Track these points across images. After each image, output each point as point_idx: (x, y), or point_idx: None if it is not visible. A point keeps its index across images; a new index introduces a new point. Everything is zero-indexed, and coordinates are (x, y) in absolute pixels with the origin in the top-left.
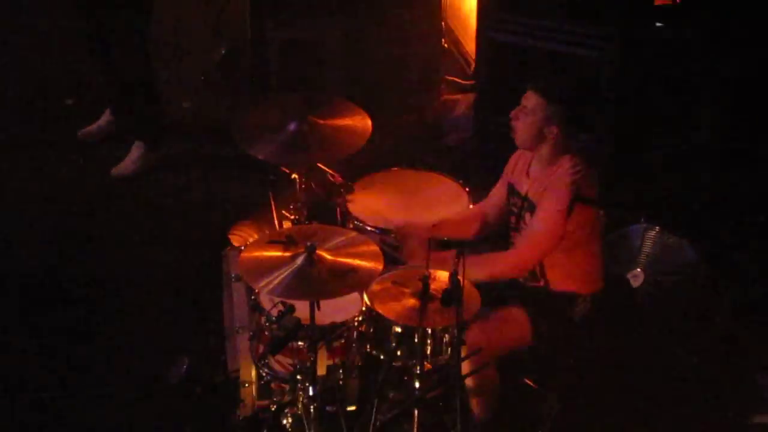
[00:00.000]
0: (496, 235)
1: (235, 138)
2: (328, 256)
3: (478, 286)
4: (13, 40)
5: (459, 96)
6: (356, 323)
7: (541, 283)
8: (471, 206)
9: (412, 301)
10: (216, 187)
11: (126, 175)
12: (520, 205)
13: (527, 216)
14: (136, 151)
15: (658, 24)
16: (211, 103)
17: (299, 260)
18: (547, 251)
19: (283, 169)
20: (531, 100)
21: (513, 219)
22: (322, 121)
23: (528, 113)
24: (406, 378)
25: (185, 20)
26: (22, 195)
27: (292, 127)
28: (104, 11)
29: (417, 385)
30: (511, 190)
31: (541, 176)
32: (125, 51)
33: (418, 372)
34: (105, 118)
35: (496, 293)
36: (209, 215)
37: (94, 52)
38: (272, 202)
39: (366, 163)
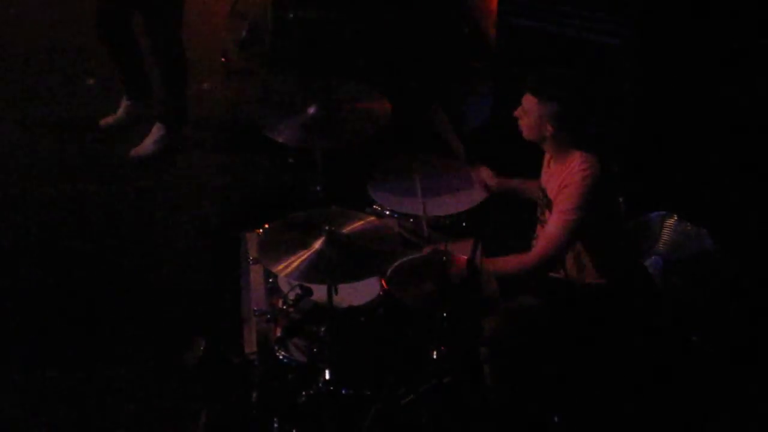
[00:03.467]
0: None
1: (255, 120)
2: (347, 241)
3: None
4: (36, 17)
5: (479, 81)
6: (374, 307)
7: (561, 274)
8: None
9: (429, 286)
10: (235, 169)
11: (145, 156)
12: (542, 199)
13: (547, 213)
14: (156, 132)
15: None
16: (231, 85)
17: (318, 244)
18: (561, 250)
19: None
20: (527, 100)
21: (539, 211)
22: (342, 104)
23: (526, 113)
24: (423, 362)
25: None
26: (40, 174)
27: (312, 110)
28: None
29: (434, 369)
30: (540, 183)
31: (555, 173)
32: (164, 30)
33: (435, 356)
34: (123, 106)
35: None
36: (228, 197)
37: (111, 33)
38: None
39: (386, 147)
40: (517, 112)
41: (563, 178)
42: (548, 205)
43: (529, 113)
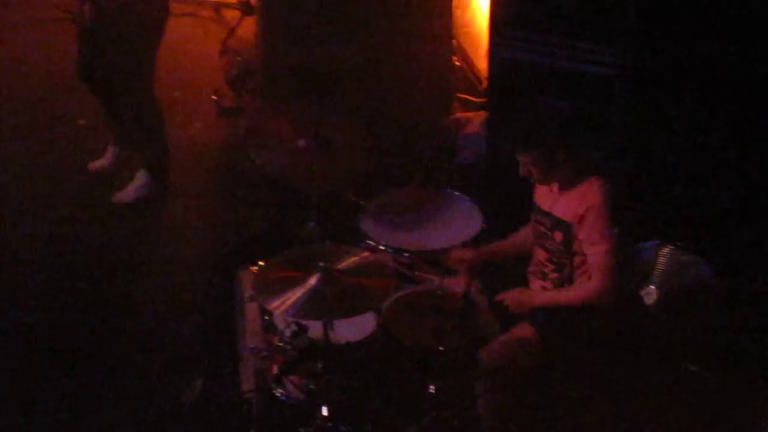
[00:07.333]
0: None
1: (246, 155)
2: (342, 276)
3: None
4: (27, 58)
5: (471, 114)
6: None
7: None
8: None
9: (426, 321)
10: (228, 207)
11: (127, 202)
12: (548, 225)
13: (557, 235)
14: (139, 180)
15: None
16: (223, 123)
17: (313, 280)
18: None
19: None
20: (522, 159)
21: (544, 241)
22: (331, 138)
23: (530, 164)
24: (420, 397)
25: (194, 40)
26: (28, 216)
27: (301, 143)
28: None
29: (430, 404)
30: (536, 210)
31: (566, 198)
32: (131, 86)
33: (432, 391)
34: (110, 153)
35: (508, 311)
36: (221, 235)
37: (91, 84)
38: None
39: (378, 181)
40: (523, 173)
41: (581, 203)
42: (560, 225)
43: (534, 163)
